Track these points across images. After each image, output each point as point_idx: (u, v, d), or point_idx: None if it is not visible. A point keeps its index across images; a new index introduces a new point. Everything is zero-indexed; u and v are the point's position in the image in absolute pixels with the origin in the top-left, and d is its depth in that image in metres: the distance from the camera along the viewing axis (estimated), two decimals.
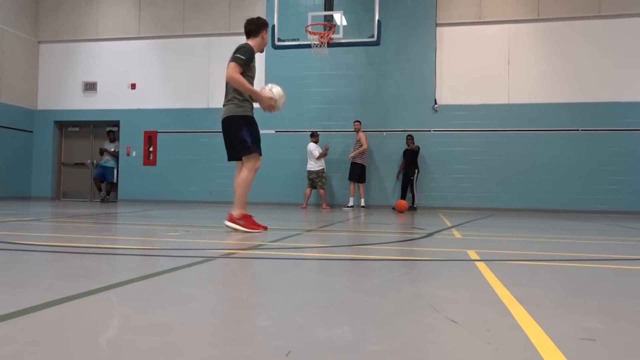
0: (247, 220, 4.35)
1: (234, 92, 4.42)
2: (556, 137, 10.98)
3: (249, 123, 4.46)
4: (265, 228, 4.47)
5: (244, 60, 4.33)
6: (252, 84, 4.45)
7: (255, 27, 4.61)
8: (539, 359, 1.16)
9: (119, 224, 5.72)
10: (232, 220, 4.31)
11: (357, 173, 10.81)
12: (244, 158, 4.43)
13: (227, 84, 4.45)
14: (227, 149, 4.61)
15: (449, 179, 11.32)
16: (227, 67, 4.31)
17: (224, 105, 4.55)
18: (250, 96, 4.46)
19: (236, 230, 4.26)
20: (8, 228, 4.57)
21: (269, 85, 4.71)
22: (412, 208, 10.73)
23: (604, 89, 10.84)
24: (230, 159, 4.62)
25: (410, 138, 11.07)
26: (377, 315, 1.56)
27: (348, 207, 10.77)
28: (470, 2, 11.52)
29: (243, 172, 4.42)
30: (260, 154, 4.50)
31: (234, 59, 4.33)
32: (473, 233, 4.93)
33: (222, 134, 4.56)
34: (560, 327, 1.44)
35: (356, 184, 10.90)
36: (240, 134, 4.40)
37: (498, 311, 1.63)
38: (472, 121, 11.32)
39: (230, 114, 4.43)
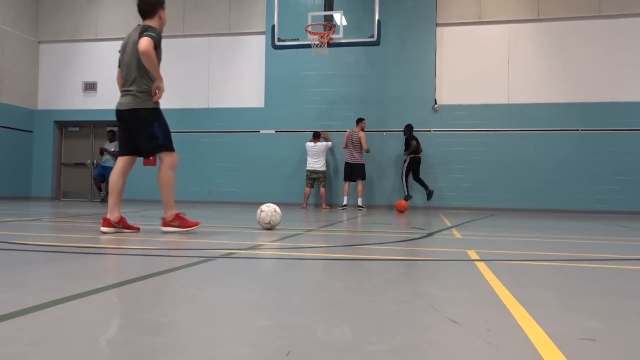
0: (180, 220, 4.12)
1: (141, 79, 4.04)
2: (556, 137, 10.98)
3: (158, 117, 4.14)
4: (198, 224, 4.21)
5: (156, 38, 3.93)
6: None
7: (150, 7, 4.15)
8: (538, 359, 1.16)
9: None
10: (165, 224, 4.10)
11: (359, 172, 10.72)
12: (159, 156, 4.16)
13: (128, 67, 4.06)
14: (124, 144, 4.24)
15: (449, 179, 11.32)
16: (139, 42, 3.85)
17: (124, 93, 4.13)
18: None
19: (173, 232, 4.06)
20: (8, 228, 4.57)
21: (271, 205, 4.65)
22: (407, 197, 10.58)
23: (604, 89, 10.84)
24: (123, 153, 4.25)
25: (407, 127, 10.94)
26: (377, 315, 1.56)
27: (343, 206, 10.70)
28: (470, 2, 11.52)
29: (162, 171, 4.15)
30: (173, 150, 4.23)
31: (146, 35, 3.88)
32: (473, 233, 4.93)
33: (122, 126, 4.20)
34: (560, 327, 1.44)
35: (352, 182, 10.80)
36: (150, 130, 4.07)
37: (498, 311, 1.63)
38: (472, 121, 11.32)
39: (136, 107, 4.05)
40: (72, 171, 13.77)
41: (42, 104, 13.66)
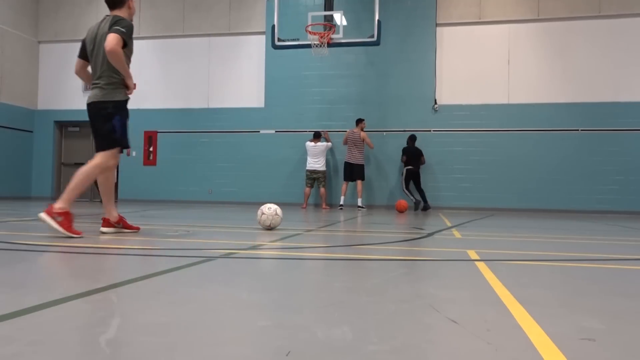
0: (66, 219, 3.57)
1: (110, 72, 3.87)
2: (556, 137, 10.98)
3: (121, 110, 3.92)
4: (80, 234, 3.61)
5: (126, 34, 3.78)
6: (129, 64, 3.96)
7: None
8: (538, 359, 1.16)
9: None
10: (50, 213, 3.55)
11: (359, 172, 10.76)
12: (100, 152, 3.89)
13: (98, 59, 3.90)
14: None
15: (449, 179, 11.32)
16: (107, 39, 3.69)
17: (93, 86, 3.96)
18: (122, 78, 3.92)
19: (50, 226, 3.52)
20: (8, 228, 4.57)
21: (272, 207, 4.57)
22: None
23: (604, 89, 10.84)
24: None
25: (409, 138, 11.02)
26: (377, 315, 1.56)
27: (340, 206, 10.69)
28: (470, 2, 11.52)
29: (90, 165, 3.82)
30: (121, 151, 3.96)
31: (115, 31, 3.72)
32: (473, 233, 4.93)
33: (91, 122, 3.96)
34: (560, 327, 1.44)
35: (350, 182, 10.82)
36: (109, 123, 3.85)
37: (498, 311, 1.63)
38: (472, 121, 11.33)
39: (102, 99, 3.88)
40: (72, 171, 13.54)
41: (42, 104, 13.66)
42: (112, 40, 3.68)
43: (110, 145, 3.89)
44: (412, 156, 10.85)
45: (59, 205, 3.59)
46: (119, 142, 3.91)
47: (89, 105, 3.96)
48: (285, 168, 11.92)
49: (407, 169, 10.80)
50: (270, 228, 4.58)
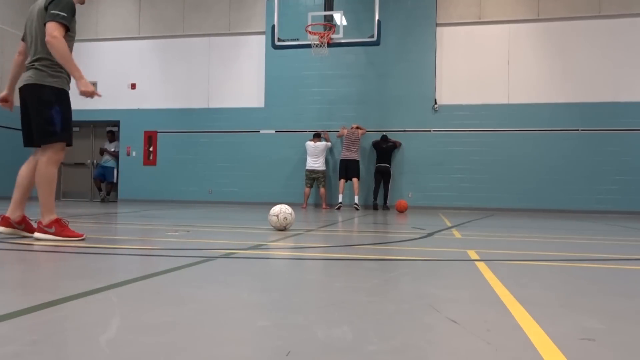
0: (58, 226, 3.39)
1: (49, 54, 3.38)
2: (556, 137, 10.98)
3: (62, 100, 3.44)
4: (81, 236, 3.42)
5: (66, 18, 3.34)
6: (72, 46, 3.52)
7: None
8: (538, 359, 1.16)
9: (119, 224, 5.72)
10: (41, 229, 3.39)
11: (354, 169, 10.87)
12: (43, 146, 3.44)
13: (34, 40, 3.49)
14: (23, 130, 3.58)
15: (449, 179, 11.32)
16: (46, 28, 3.29)
17: (28, 67, 3.50)
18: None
19: (47, 240, 3.35)
20: None
21: (283, 207, 4.50)
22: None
23: (604, 89, 10.84)
24: (26, 143, 3.58)
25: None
26: (377, 315, 1.56)
27: (339, 206, 10.69)
28: (470, 2, 11.52)
29: (41, 165, 3.39)
30: (68, 144, 3.51)
31: (53, 17, 3.28)
32: (473, 233, 4.93)
33: (23, 108, 3.53)
34: (560, 327, 1.44)
35: (349, 181, 10.88)
36: (47, 112, 3.37)
37: (498, 311, 1.63)
38: (472, 121, 11.32)
39: (36, 82, 3.39)
40: (72, 171, 13.77)
41: None
42: (52, 31, 3.26)
43: (50, 138, 3.41)
44: (381, 153, 11.02)
45: (46, 219, 3.38)
46: (59, 137, 3.42)
47: (22, 88, 3.50)
48: (285, 168, 11.92)
49: (376, 167, 11.05)
50: (284, 228, 4.54)
